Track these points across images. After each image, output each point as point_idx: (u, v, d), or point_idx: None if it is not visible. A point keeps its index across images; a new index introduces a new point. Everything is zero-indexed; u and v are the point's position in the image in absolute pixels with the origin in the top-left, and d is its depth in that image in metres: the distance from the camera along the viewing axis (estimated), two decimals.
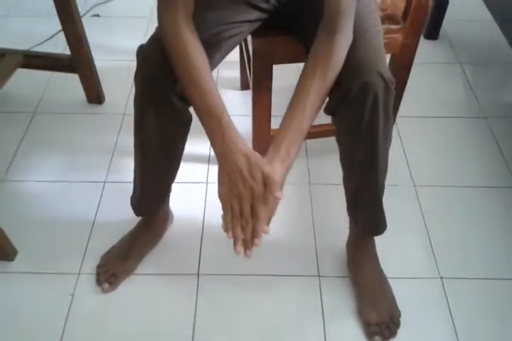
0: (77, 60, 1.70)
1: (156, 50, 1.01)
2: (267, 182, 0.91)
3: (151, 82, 1.03)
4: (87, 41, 1.67)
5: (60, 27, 1.60)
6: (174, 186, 1.37)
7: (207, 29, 1.06)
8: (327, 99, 1.01)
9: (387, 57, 1.38)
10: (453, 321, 1.25)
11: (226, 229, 0.92)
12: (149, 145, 1.15)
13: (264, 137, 1.47)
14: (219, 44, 1.10)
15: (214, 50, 1.08)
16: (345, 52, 0.97)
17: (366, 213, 1.21)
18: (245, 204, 0.91)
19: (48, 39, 2.06)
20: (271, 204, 0.93)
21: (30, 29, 2.15)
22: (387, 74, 0.96)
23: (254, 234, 0.91)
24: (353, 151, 1.07)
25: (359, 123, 0.99)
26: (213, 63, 1.10)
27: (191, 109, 1.04)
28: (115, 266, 1.31)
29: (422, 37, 2.09)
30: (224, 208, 0.94)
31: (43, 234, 1.42)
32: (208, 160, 1.62)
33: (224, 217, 0.93)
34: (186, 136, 1.18)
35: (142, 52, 1.04)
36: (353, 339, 1.22)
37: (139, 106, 1.09)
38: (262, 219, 0.91)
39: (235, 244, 0.91)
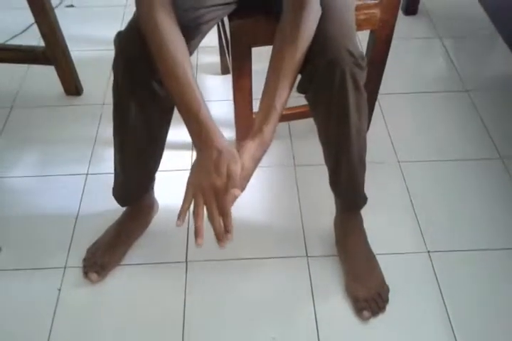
0: (52, 52, 1.67)
1: (134, 36, 0.99)
2: (229, 177, 0.91)
3: (130, 69, 1.01)
4: (61, 32, 1.64)
5: (33, 19, 1.57)
6: (158, 174, 1.35)
7: (184, 14, 1.03)
8: (299, 78, 1.00)
9: (366, 33, 1.38)
10: (441, 294, 1.25)
11: (178, 216, 0.91)
12: (131, 134, 1.13)
13: (246, 121, 1.45)
14: (197, 29, 1.08)
15: (192, 36, 1.07)
16: (314, 28, 0.95)
17: (345, 187, 1.21)
18: (208, 196, 0.91)
19: (22, 32, 2.03)
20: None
21: (3, 22, 2.11)
22: (356, 50, 0.95)
23: (226, 230, 0.90)
24: (327, 127, 1.07)
25: (329, 100, 0.99)
26: (191, 48, 1.08)
27: None
28: (102, 257, 1.29)
29: (401, 13, 2.11)
30: (185, 195, 0.93)
31: (26, 229, 1.41)
32: (192, 148, 1.61)
33: (182, 204, 0.92)
34: (169, 123, 1.17)
35: (120, 38, 1.03)
36: (342, 316, 1.22)
37: (119, 94, 1.08)
38: (230, 215, 0.90)
39: (196, 236, 0.89)
